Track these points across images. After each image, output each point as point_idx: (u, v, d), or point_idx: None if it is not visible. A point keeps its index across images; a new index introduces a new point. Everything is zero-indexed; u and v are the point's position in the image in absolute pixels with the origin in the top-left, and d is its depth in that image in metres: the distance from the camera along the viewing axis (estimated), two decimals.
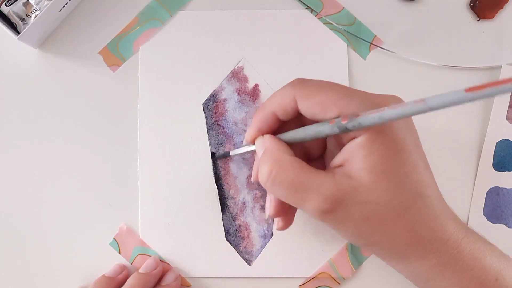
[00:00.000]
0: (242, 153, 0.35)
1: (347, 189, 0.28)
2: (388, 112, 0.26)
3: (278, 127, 0.33)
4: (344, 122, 0.28)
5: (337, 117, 0.28)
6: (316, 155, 0.34)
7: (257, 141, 0.32)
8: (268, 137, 0.32)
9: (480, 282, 0.29)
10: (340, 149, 0.30)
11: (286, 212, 0.33)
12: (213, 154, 0.39)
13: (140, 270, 0.38)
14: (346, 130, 0.28)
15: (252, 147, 0.34)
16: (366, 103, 0.28)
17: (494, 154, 0.39)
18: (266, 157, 0.30)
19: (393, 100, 0.30)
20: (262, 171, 0.30)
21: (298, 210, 0.35)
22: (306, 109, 0.30)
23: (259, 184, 0.39)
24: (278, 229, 0.34)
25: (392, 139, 0.28)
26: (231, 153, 0.36)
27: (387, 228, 0.29)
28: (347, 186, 0.28)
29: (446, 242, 0.29)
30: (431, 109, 0.24)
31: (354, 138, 0.28)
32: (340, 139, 0.30)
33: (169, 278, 0.38)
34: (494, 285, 0.29)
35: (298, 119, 0.32)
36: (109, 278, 0.38)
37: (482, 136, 0.40)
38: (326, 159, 0.34)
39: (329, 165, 0.33)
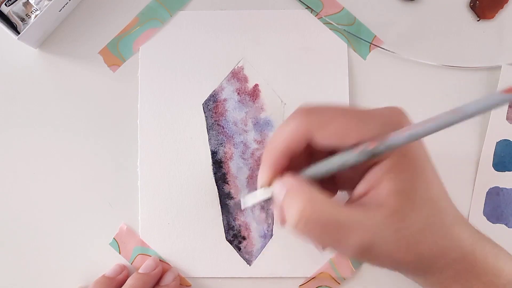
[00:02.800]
0: (257, 203, 0.31)
1: (381, 220, 0.27)
2: (416, 129, 0.25)
3: (287, 166, 0.30)
4: (371, 148, 0.26)
5: (356, 144, 0.27)
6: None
7: (276, 184, 0.29)
8: (289, 176, 0.29)
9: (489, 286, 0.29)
10: (355, 171, 0.29)
11: None
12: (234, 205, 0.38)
13: (140, 271, 0.38)
14: (373, 156, 0.27)
15: (266, 194, 0.30)
16: (381, 122, 0.27)
17: (494, 154, 0.39)
18: (293, 197, 0.28)
19: (394, 111, 0.29)
20: (292, 213, 0.27)
21: None
22: (322, 139, 0.28)
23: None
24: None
25: (413, 158, 0.28)
26: (243, 206, 0.32)
27: (417, 248, 0.28)
28: (380, 217, 0.27)
29: (462, 249, 0.29)
30: (469, 115, 0.23)
31: (376, 163, 0.27)
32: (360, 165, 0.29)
33: (168, 278, 0.38)
34: None
35: (307, 154, 0.30)
36: (109, 278, 0.38)
37: (482, 136, 0.40)
38: (338, 177, 0.32)
39: (341, 187, 0.32)
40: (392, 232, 0.27)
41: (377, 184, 0.28)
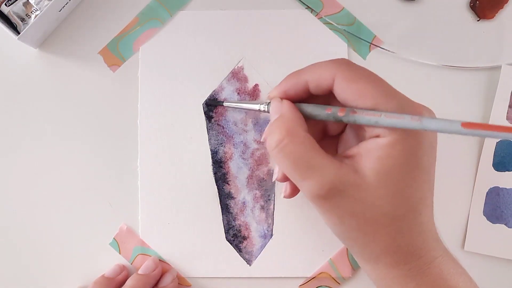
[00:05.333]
0: (241, 108, 0.35)
1: (348, 183, 0.28)
2: (383, 120, 0.27)
3: (300, 100, 0.32)
4: (340, 115, 0.29)
5: (371, 108, 0.28)
6: (333, 133, 0.34)
7: (274, 103, 0.32)
8: (287, 103, 0.31)
9: None
10: (357, 139, 0.30)
11: None
12: (210, 100, 0.39)
13: (140, 271, 0.38)
14: (340, 121, 0.29)
15: (255, 106, 0.34)
16: (403, 107, 0.28)
17: (494, 154, 0.39)
18: (280, 124, 0.30)
19: (426, 112, 0.29)
20: (273, 137, 0.30)
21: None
22: (341, 91, 0.29)
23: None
24: (285, 197, 0.35)
25: (412, 152, 0.28)
26: (225, 104, 0.36)
27: (369, 230, 0.29)
28: (350, 180, 0.28)
29: (419, 258, 0.29)
30: (425, 129, 0.26)
31: (377, 136, 0.28)
32: (361, 131, 0.30)
33: (166, 280, 0.38)
34: None
35: (325, 100, 0.32)
36: (108, 278, 0.38)
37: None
38: (340, 141, 0.34)
39: (340, 149, 0.33)
40: (351, 199, 0.28)
41: (365, 154, 0.28)
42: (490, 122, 0.39)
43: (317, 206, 0.30)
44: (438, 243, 0.31)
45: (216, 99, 0.39)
